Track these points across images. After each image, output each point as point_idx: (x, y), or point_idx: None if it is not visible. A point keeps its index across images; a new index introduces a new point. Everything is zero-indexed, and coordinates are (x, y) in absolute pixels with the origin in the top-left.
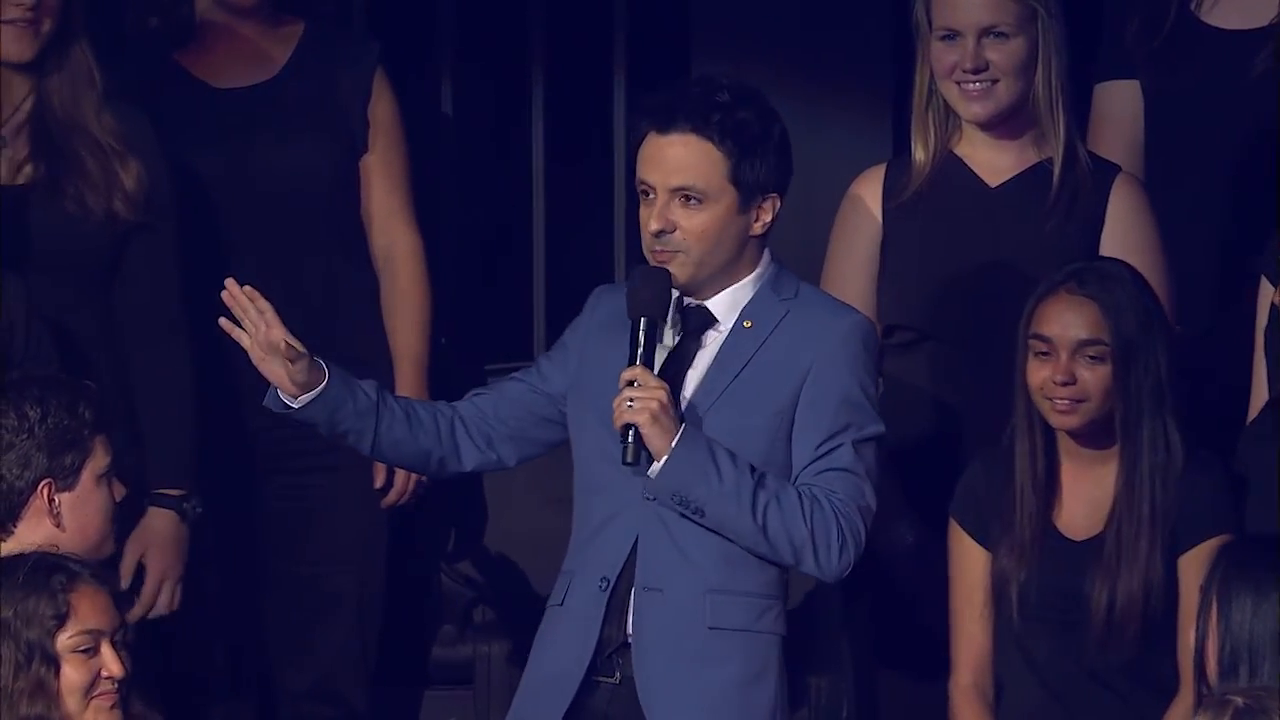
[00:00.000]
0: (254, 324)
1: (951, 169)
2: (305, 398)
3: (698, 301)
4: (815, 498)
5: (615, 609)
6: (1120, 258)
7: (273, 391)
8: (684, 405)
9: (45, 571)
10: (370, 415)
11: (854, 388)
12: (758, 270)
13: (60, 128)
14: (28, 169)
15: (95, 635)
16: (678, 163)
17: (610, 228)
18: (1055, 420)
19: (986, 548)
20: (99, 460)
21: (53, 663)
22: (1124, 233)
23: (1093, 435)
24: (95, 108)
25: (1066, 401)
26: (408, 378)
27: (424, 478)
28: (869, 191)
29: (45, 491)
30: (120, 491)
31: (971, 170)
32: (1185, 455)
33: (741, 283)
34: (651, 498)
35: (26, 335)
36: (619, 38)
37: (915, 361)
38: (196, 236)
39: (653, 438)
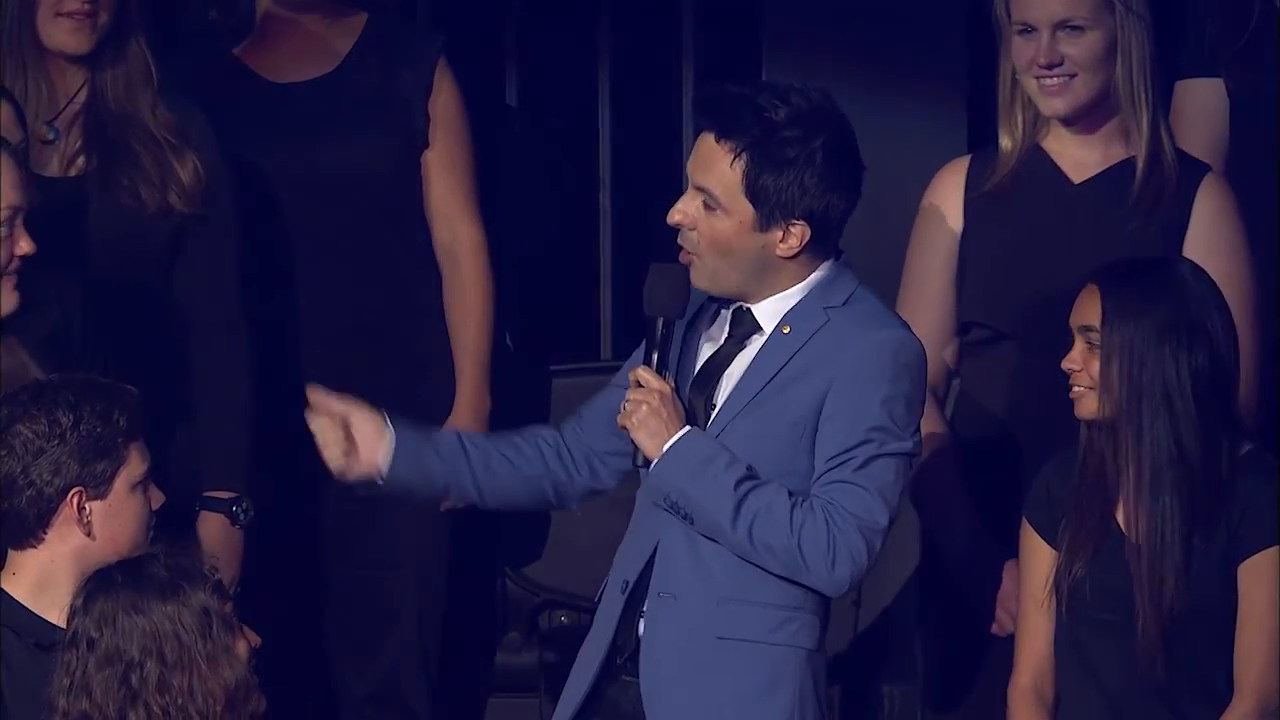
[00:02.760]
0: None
1: (1037, 164)
2: (385, 460)
3: (747, 305)
4: (811, 509)
5: (632, 612)
6: (1203, 261)
7: None
8: (716, 408)
9: (188, 557)
10: (460, 456)
11: (874, 404)
12: (805, 281)
13: (114, 120)
14: (80, 161)
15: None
16: (702, 162)
17: None
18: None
19: (1055, 547)
20: (134, 468)
21: (233, 630)
22: (1208, 235)
23: None
24: (150, 101)
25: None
26: (469, 377)
27: None
28: (951, 185)
29: (75, 500)
30: (158, 499)
31: (1057, 166)
32: (1233, 459)
33: (786, 292)
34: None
35: (83, 334)
36: (687, 29)
37: (991, 360)
38: (256, 234)
39: (642, 440)
